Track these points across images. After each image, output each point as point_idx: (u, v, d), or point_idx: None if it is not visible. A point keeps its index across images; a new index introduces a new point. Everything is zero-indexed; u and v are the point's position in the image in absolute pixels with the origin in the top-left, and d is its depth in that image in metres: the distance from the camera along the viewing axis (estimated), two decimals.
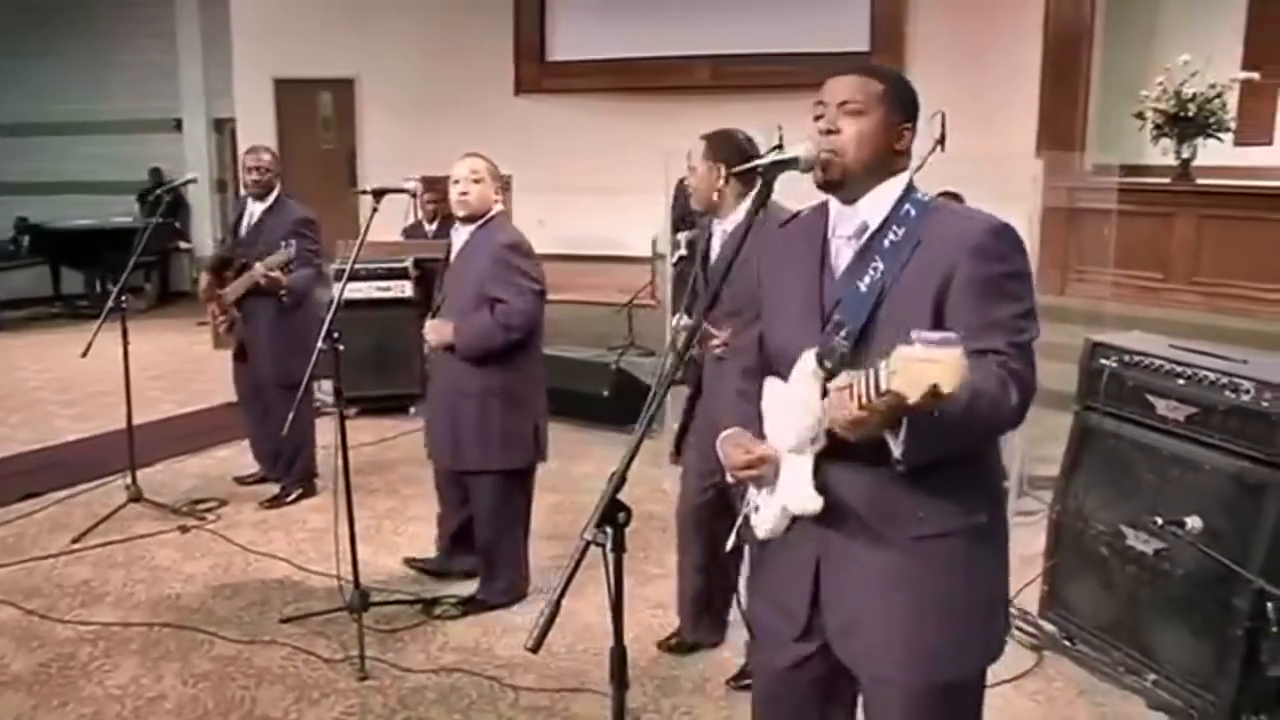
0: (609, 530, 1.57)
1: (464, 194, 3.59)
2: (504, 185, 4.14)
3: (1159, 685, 3.13)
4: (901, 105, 1.84)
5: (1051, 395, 4.35)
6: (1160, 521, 3.01)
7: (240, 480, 5.24)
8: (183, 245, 11.59)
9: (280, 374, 4.73)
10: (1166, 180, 7.18)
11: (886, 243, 1.80)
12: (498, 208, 3.72)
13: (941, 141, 4.54)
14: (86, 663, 3.45)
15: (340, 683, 3.33)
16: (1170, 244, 7.06)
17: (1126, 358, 3.32)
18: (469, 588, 3.95)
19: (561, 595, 1.53)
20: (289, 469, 5.00)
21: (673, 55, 9.24)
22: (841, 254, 1.87)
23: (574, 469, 5.52)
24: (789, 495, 1.87)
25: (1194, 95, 6.94)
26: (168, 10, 11.68)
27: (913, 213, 1.81)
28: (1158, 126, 7.14)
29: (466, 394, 3.67)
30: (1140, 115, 7.22)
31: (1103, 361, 3.38)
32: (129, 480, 4.86)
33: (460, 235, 3.72)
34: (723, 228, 3.25)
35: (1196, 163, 7.15)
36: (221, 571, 4.21)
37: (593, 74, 9.51)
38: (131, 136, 11.86)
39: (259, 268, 4.56)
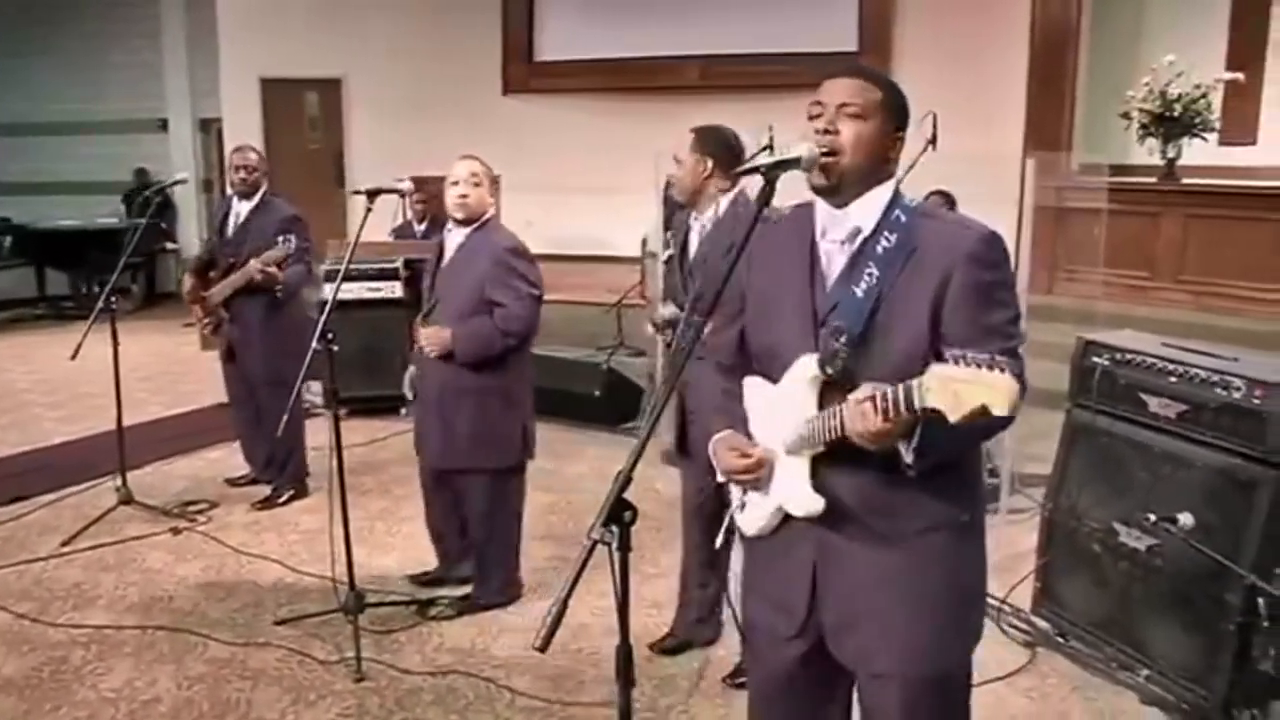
0: (615, 530, 1.57)
1: (464, 196, 3.58)
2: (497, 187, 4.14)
3: (1152, 680, 3.15)
4: (896, 114, 1.86)
5: (1040, 394, 4.37)
6: (1152, 518, 3.05)
7: (231, 482, 5.22)
8: (169, 246, 11.52)
9: (271, 373, 4.73)
10: (1153, 180, 7.23)
11: (880, 249, 1.81)
12: (491, 210, 3.72)
13: (933, 142, 4.55)
14: (79, 666, 3.43)
15: (336, 684, 3.32)
16: (1157, 243, 7.12)
17: (1118, 356, 3.34)
18: (464, 588, 3.94)
19: (569, 595, 1.54)
20: (281, 470, 4.98)
21: (661, 55, 9.23)
22: (833, 259, 1.89)
23: (568, 469, 5.53)
24: (787, 497, 1.89)
25: (1179, 96, 6.99)
26: (152, 10, 11.61)
27: (903, 218, 1.83)
28: (1144, 126, 7.19)
29: (462, 393, 3.65)
30: (1126, 115, 7.27)
31: (1095, 360, 3.41)
32: (119, 482, 4.83)
33: (455, 237, 3.69)
34: (700, 222, 3.27)
35: (1182, 162, 7.21)
36: (214, 573, 4.20)
37: (581, 74, 9.50)
38: (116, 136, 11.78)
39: (254, 264, 4.54)
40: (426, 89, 9.64)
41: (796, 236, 1.92)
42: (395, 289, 6.54)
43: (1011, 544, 4.35)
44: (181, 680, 3.35)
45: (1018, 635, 3.61)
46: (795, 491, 1.87)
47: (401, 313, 6.23)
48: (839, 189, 1.84)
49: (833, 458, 1.81)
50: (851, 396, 1.67)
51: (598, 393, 6.29)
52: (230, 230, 4.87)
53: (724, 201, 3.22)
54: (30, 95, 12.02)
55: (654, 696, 3.25)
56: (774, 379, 1.93)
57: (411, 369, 3.88)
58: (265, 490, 5.01)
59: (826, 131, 1.81)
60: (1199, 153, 7.23)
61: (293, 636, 3.63)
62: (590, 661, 3.45)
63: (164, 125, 11.90)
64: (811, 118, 1.84)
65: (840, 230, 1.87)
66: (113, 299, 4.60)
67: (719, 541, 2.07)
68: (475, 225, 3.64)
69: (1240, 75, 7.16)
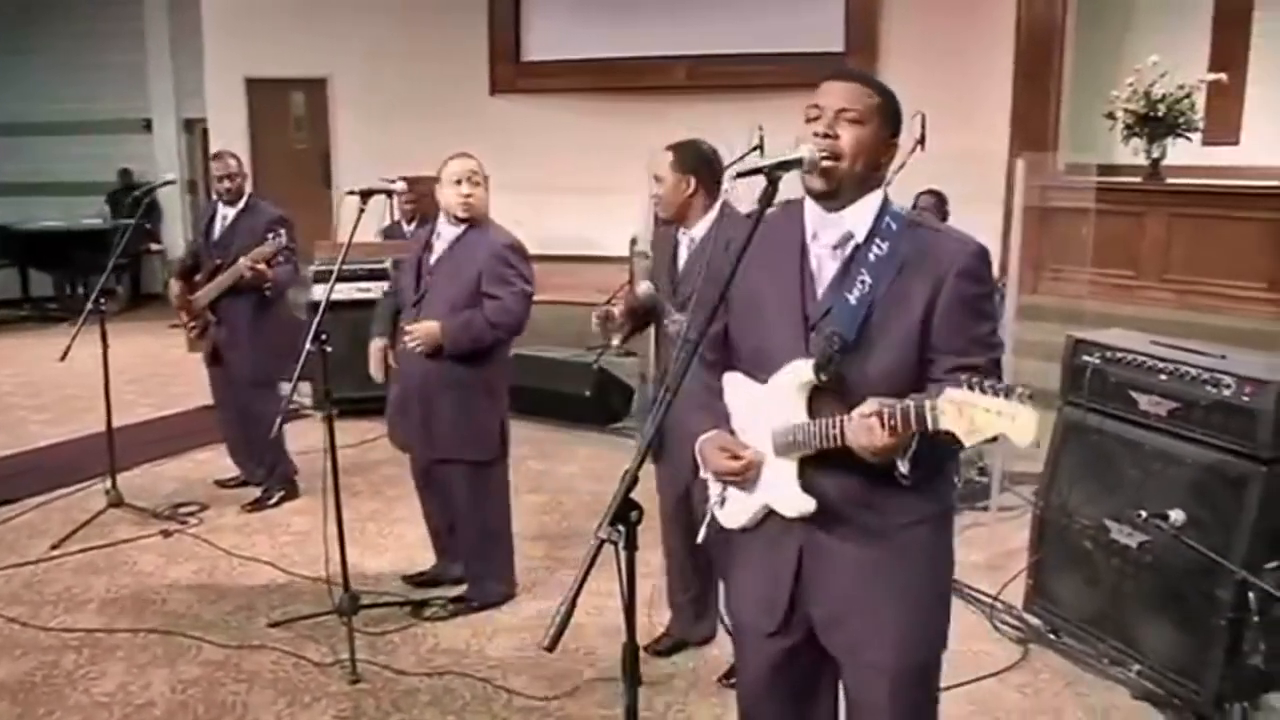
0: (622, 529, 1.58)
1: (468, 196, 3.58)
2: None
3: (1143, 676, 3.18)
4: (892, 120, 1.88)
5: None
6: (1144, 515, 3.07)
7: (221, 484, 5.20)
8: (154, 247, 11.44)
9: (257, 373, 4.76)
10: (1137, 180, 7.29)
11: (872, 256, 1.84)
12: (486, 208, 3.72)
13: (922, 141, 4.58)
14: (72, 671, 3.41)
15: (332, 686, 3.31)
16: (1141, 242, 7.18)
17: (1109, 354, 3.37)
18: (458, 589, 3.94)
19: (576, 595, 1.54)
20: (270, 472, 4.97)
21: (648, 55, 9.24)
22: (824, 263, 1.90)
23: (559, 469, 5.54)
24: (776, 498, 1.92)
25: (1164, 96, 7.06)
26: (136, 9, 11.52)
27: (893, 226, 1.86)
28: (1128, 126, 7.24)
29: (445, 385, 3.65)
30: (1111, 115, 7.32)
31: (1085, 358, 3.43)
32: (109, 485, 4.80)
33: (448, 233, 3.68)
34: (690, 236, 3.28)
35: (1166, 162, 7.27)
36: (206, 576, 4.18)
37: (568, 74, 9.50)
38: (100, 137, 11.68)
39: (244, 261, 4.53)
40: (413, 89, 9.63)
41: (785, 237, 1.93)
42: (384, 290, 6.51)
43: (1002, 541, 4.39)
44: (175, 683, 3.33)
45: (1010, 632, 3.64)
46: (784, 493, 1.89)
47: None
48: (836, 193, 1.85)
49: (821, 459, 1.85)
50: (857, 411, 1.70)
51: (588, 393, 6.30)
52: (217, 233, 4.86)
53: (711, 214, 3.24)
54: (13, 96, 11.91)
55: (650, 696, 3.26)
56: (759, 378, 1.94)
57: (379, 341, 3.84)
58: (255, 492, 4.99)
59: (826, 135, 1.82)
60: (1183, 152, 7.30)
61: (287, 638, 3.62)
62: (587, 661, 3.45)
63: (148, 126, 11.82)
64: (809, 120, 1.85)
65: (832, 234, 1.89)
66: (102, 300, 4.57)
67: (700, 537, 2.08)
68: (472, 223, 3.64)
69: (1223, 76, 7.22)
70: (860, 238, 1.87)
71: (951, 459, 1.91)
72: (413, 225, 7.23)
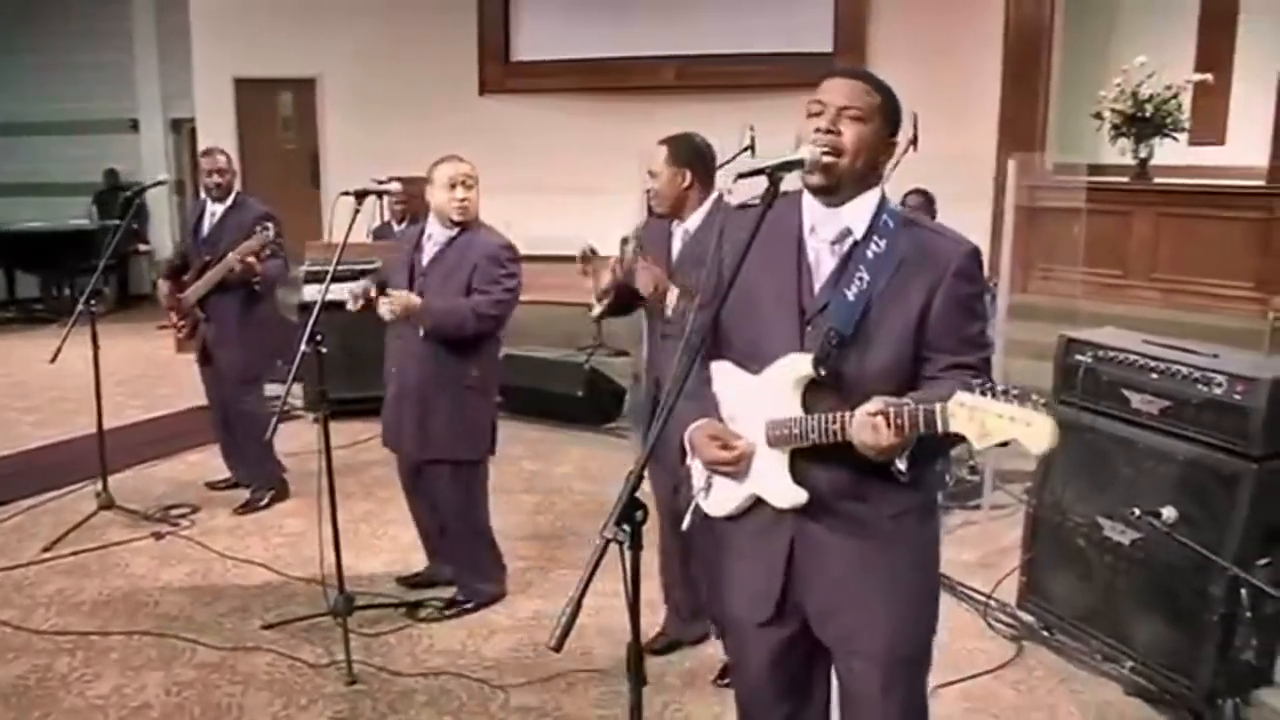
0: (627, 528, 1.58)
1: (463, 200, 3.59)
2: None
3: (1136, 672, 3.21)
4: (892, 120, 1.90)
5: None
6: (1137, 512, 3.10)
7: (212, 485, 5.18)
8: (141, 248, 11.38)
9: (245, 370, 4.78)
10: (1125, 179, 7.33)
11: (870, 253, 1.86)
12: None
13: (914, 142, 4.59)
14: (66, 674, 3.39)
15: (328, 687, 3.31)
16: (1129, 242, 7.22)
17: (1101, 353, 3.39)
18: (452, 590, 3.93)
19: (582, 594, 1.55)
20: (258, 473, 4.96)
21: (637, 55, 9.25)
22: (822, 258, 1.92)
23: (553, 470, 5.54)
24: (767, 489, 1.93)
25: (1151, 96, 7.10)
26: (123, 9, 11.46)
27: (891, 224, 1.88)
28: (1115, 127, 7.28)
29: (442, 386, 3.65)
30: (1099, 115, 7.36)
31: (1078, 357, 3.46)
32: (100, 487, 4.78)
33: (440, 234, 3.68)
34: (684, 228, 3.31)
35: (1153, 162, 7.32)
36: (199, 578, 4.17)
37: (558, 74, 9.49)
38: (87, 137, 11.60)
39: (232, 255, 4.53)
40: (402, 89, 9.60)
41: (782, 230, 1.94)
42: (374, 290, 6.49)
43: (995, 539, 4.41)
44: (171, 686, 3.32)
45: (1004, 629, 3.67)
46: (776, 484, 1.91)
47: None
48: (836, 189, 1.87)
49: (813, 452, 1.86)
50: (862, 409, 1.72)
51: (580, 393, 6.30)
52: (206, 230, 4.86)
53: (705, 207, 3.27)
54: None
55: (648, 695, 3.20)
56: (750, 368, 1.96)
57: (364, 283, 3.85)
58: (247, 494, 4.97)
59: (829, 131, 1.84)
60: (1169, 152, 7.35)
61: (281, 640, 3.61)
62: (583, 661, 3.46)
63: (135, 126, 11.75)
64: (811, 115, 1.87)
65: (830, 229, 1.91)
66: (93, 302, 4.55)
67: (685, 524, 2.09)
68: (465, 226, 3.64)
69: (1209, 76, 7.26)
70: (859, 234, 1.89)
71: (945, 456, 1.93)
72: (403, 225, 7.22)
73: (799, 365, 1.86)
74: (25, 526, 4.68)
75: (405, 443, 3.77)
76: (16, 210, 11.12)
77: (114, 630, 3.68)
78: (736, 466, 1.93)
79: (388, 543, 4.54)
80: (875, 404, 1.70)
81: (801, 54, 8.67)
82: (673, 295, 3.18)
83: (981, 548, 4.35)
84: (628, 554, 1.62)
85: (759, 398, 1.92)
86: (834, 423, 1.79)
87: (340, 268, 6.47)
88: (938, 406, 1.64)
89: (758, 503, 1.96)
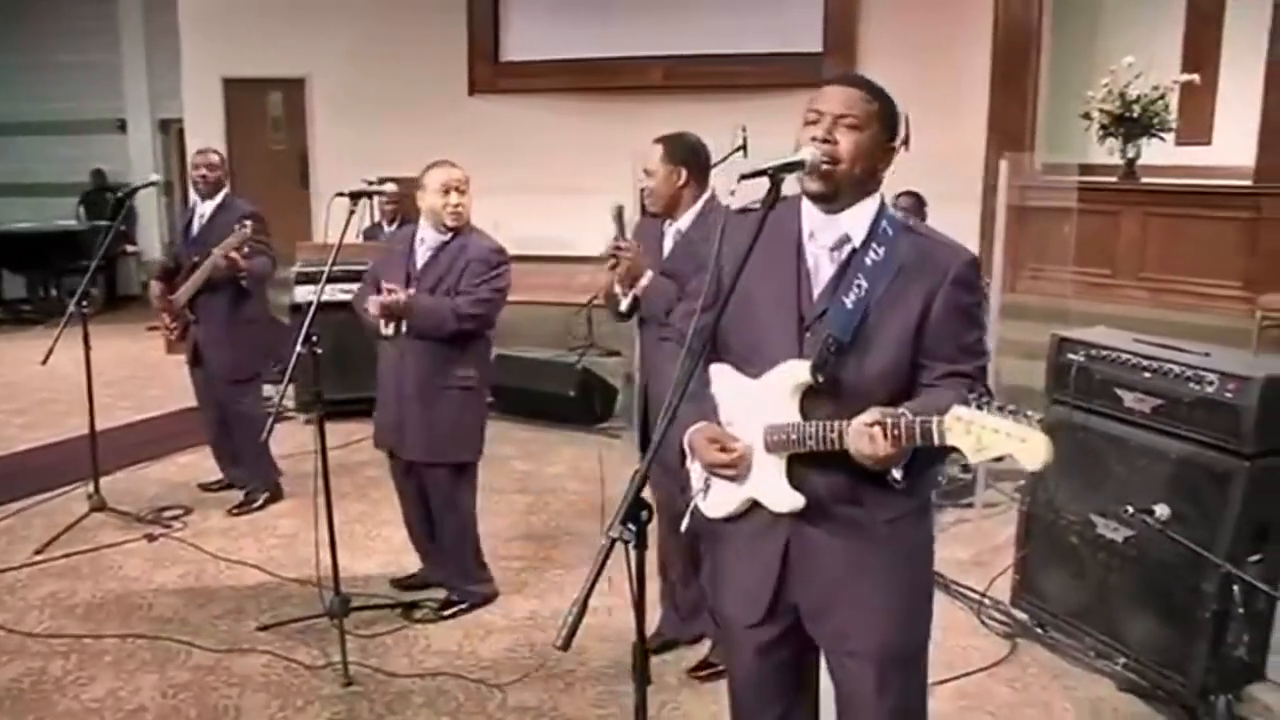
0: (633, 528, 1.59)
1: (457, 205, 3.60)
2: None
3: (1129, 668, 3.24)
4: (891, 126, 1.91)
5: (1008, 389, 4.47)
6: (1130, 510, 3.13)
7: (205, 487, 5.16)
8: (129, 249, 11.32)
9: (236, 370, 4.77)
10: (1113, 179, 7.38)
11: (869, 261, 1.87)
12: None
13: (906, 142, 4.61)
14: (60, 677, 3.38)
15: (325, 689, 3.30)
16: (1117, 241, 7.27)
17: (1093, 352, 3.42)
18: (445, 592, 3.93)
19: (588, 594, 1.55)
20: (253, 474, 4.94)
21: (627, 56, 9.25)
22: (821, 264, 1.93)
23: (545, 470, 5.54)
24: (764, 493, 1.94)
25: (1138, 96, 7.15)
26: (111, 8, 11.40)
27: (890, 231, 1.89)
28: (1104, 127, 7.33)
29: (446, 389, 3.66)
30: (1087, 115, 7.41)
31: (1070, 356, 3.48)
32: (91, 489, 4.75)
33: (432, 239, 3.68)
34: (676, 227, 3.32)
35: (1140, 162, 7.37)
36: (193, 580, 4.15)
37: (547, 74, 9.49)
38: (73, 137, 11.55)
39: (216, 252, 4.52)
40: (392, 89, 9.59)
41: (782, 235, 1.95)
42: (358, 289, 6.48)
43: (988, 537, 4.44)
44: (166, 688, 3.31)
45: (998, 627, 3.69)
46: (773, 488, 1.92)
47: None
48: (834, 196, 1.88)
49: (810, 457, 1.88)
50: (859, 419, 1.73)
51: (572, 393, 6.31)
52: (195, 230, 4.87)
53: (697, 206, 3.28)
54: None
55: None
56: (748, 372, 1.97)
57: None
58: (239, 495, 4.96)
59: (825, 140, 1.85)
60: (1156, 152, 7.40)
61: (277, 642, 3.61)
62: (580, 661, 3.46)
63: (122, 126, 11.70)
64: (808, 123, 1.87)
65: (829, 236, 1.91)
66: (84, 303, 4.53)
67: (683, 525, 2.10)
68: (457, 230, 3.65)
69: (1196, 77, 7.32)
70: (857, 242, 1.90)
71: (941, 462, 1.95)
72: (393, 226, 7.20)
73: (797, 372, 1.87)
74: (16, 529, 4.65)
75: (408, 445, 3.75)
76: (3, 211, 11.07)
77: (108, 633, 3.67)
78: (735, 469, 1.94)
79: (381, 544, 4.53)
80: (872, 414, 1.71)
81: (791, 54, 8.71)
82: (645, 279, 3.19)
83: (975, 545, 4.37)
84: (633, 553, 1.62)
85: (758, 402, 1.93)
86: (831, 431, 1.81)
87: (335, 269, 6.50)
88: (935, 420, 1.66)
89: (755, 505, 1.98)
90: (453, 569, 3.91)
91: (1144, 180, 7.34)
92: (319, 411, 3.44)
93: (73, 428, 4.99)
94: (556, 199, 8.85)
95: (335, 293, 6.34)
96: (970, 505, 4.77)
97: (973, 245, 1.92)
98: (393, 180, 6.22)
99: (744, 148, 5.85)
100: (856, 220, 1.90)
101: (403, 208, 6.90)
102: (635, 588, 1.66)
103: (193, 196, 4.97)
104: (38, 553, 4.34)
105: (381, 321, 3.65)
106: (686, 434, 2.01)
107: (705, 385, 2.05)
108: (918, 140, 5.19)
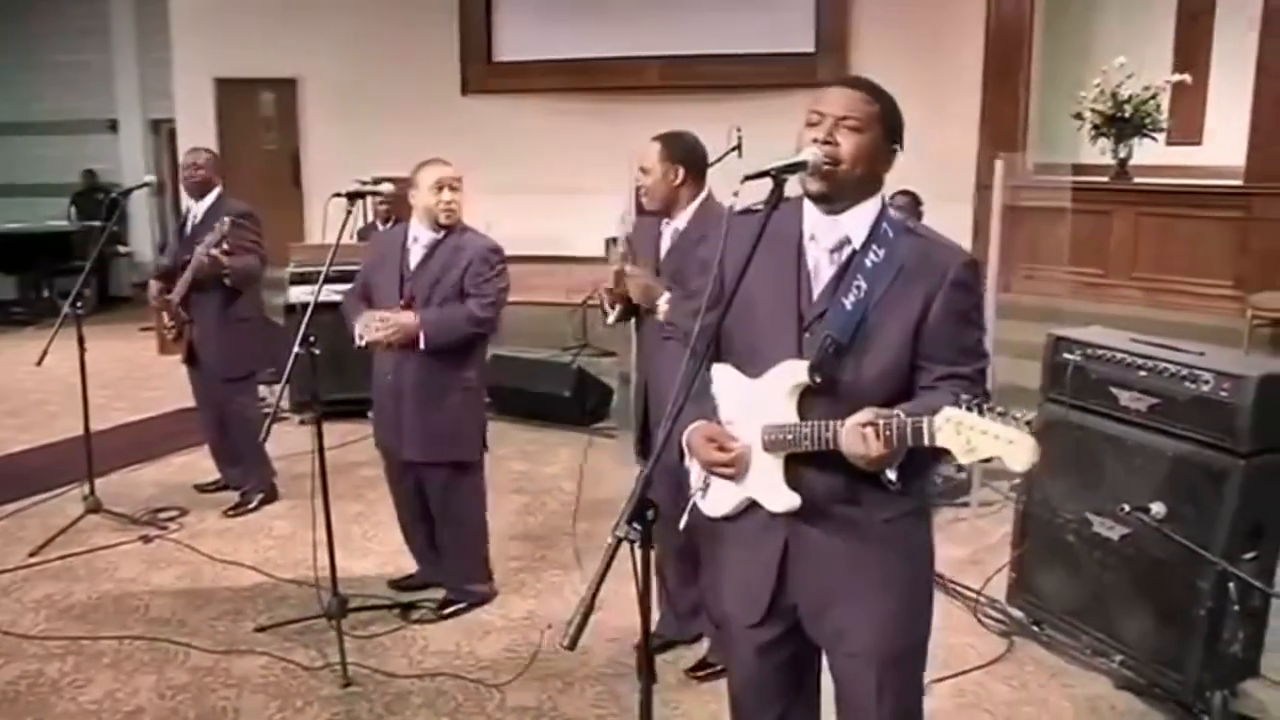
0: (638, 527, 1.60)
1: (450, 203, 3.60)
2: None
3: (1126, 666, 3.26)
4: (893, 129, 1.91)
5: (1003, 388, 4.49)
6: (1125, 508, 3.15)
7: (200, 488, 5.15)
8: (121, 250, 11.28)
9: (229, 369, 4.77)
10: (1105, 179, 7.41)
11: (869, 262, 1.88)
12: None
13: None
14: (57, 679, 3.37)
15: (323, 690, 3.30)
16: (1110, 241, 7.30)
17: (1089, 351, 3.43)
18: (443, 592, 3.93)
19: (595, 594, 1.56)
20: (249, 475, 4.94)
21: (620, 56, 9.27)
22: (821, 265, 1.94)
23: (541, 470, 5.54)
24: (762, 493, 1.95)
25: (1130, 97, 7.18)
26: (102, 8, 11.35)
27: (890, 233, 1.89)
28: (1095, 127, 7.36)
29: (447, 388, 3.66)
30: (1079, 116, 7.44)
31: (1066, 356, 3.49)
32: (86, 490, 4.74)
33: (425, 237, 3.67)
34: (674, 226, 3.32)
35: (1132, 162, 7.40)
36: (189, 581, 4.14)
37: (540, 74, 9.50)
38: (65, 138, 11.49)
39: (199, 250, 4.52)
40: (384, 89, 9.58)
41: (783, 235, 1.95)
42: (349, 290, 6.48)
43: (984, 536, 4.46)
44: (164, 690, 3.30)
45: (994, 625, 3.70)
46: (770, 488, 1.93)
47: None
48: (835, 197, 1.89)
49: (807, 457, 1.89)
50: (853, 419, 1.74)
51: (567, 393, 6.31)
52: (189, 231, 4.86)
53: (694, 205, 3.28)
54: None
55: None
56: (748, 372, 1.97)
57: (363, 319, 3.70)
58: (236, 496, 4.95)
59: (826, 142, 1.85)
60: (1148, 152, 7.43)
61: (275, 643, 3.60)
62: (578, 660, 3.46)
63: (113, 126, 11.65)
64: (809, 125, 1.88)
65: (829, 237, 1.92)
66: (79, 304, 4.52)
67: (682, 523, 2.11)
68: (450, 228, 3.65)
69: (1187, 77, 7.35)
70: (857, 243, 1.90)
71: (936, 464, 1.95)
72: (387, 225, 7.19)
73: (795, 372, 1.88)
74: (11, 531, 4.63)
75: (407, 446, 3.74)
76: None
77: (105, 634, 3.66)
78: (733, 468, 1.94)
79: (378, 544, 4.53)
80: (865, 414, 1.73)
81: (784, 54, 8.74)
82: (664, 301, 3.20)
83: (971, 544, 4.39)
84: (638, 552, 1.63)
85: (757, 402, 1.94)
86: (827, 430, 1.82)
87: (331, 269, 6.48)
88: (925, 421, 1.67)
89: (754, 505, 1.98)
90: (451, 569, 3.91)
91: (1136, 180, 7.37)
92: (316, 413, 3.43)
93: (66, 429, 4.97)
94: (550, 199, 8.87)
95: (329, 293, 6.38)
96: (966, 504, 4.78)
97: (965, 244, 1.92)
98: (387, 180, 6.20)
99: (739, 148, 5.86)
100: (857, 222, 1.91)
101: (396, 208, 6.89)
102: (641, 587, 1.66)
103: (186, 198, 4.96)
104: (33, 555, 4.33)
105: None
106: (685, 433, 2.02)
107: (707, 385, 2.05)
108: (910, 140, 5.23)
